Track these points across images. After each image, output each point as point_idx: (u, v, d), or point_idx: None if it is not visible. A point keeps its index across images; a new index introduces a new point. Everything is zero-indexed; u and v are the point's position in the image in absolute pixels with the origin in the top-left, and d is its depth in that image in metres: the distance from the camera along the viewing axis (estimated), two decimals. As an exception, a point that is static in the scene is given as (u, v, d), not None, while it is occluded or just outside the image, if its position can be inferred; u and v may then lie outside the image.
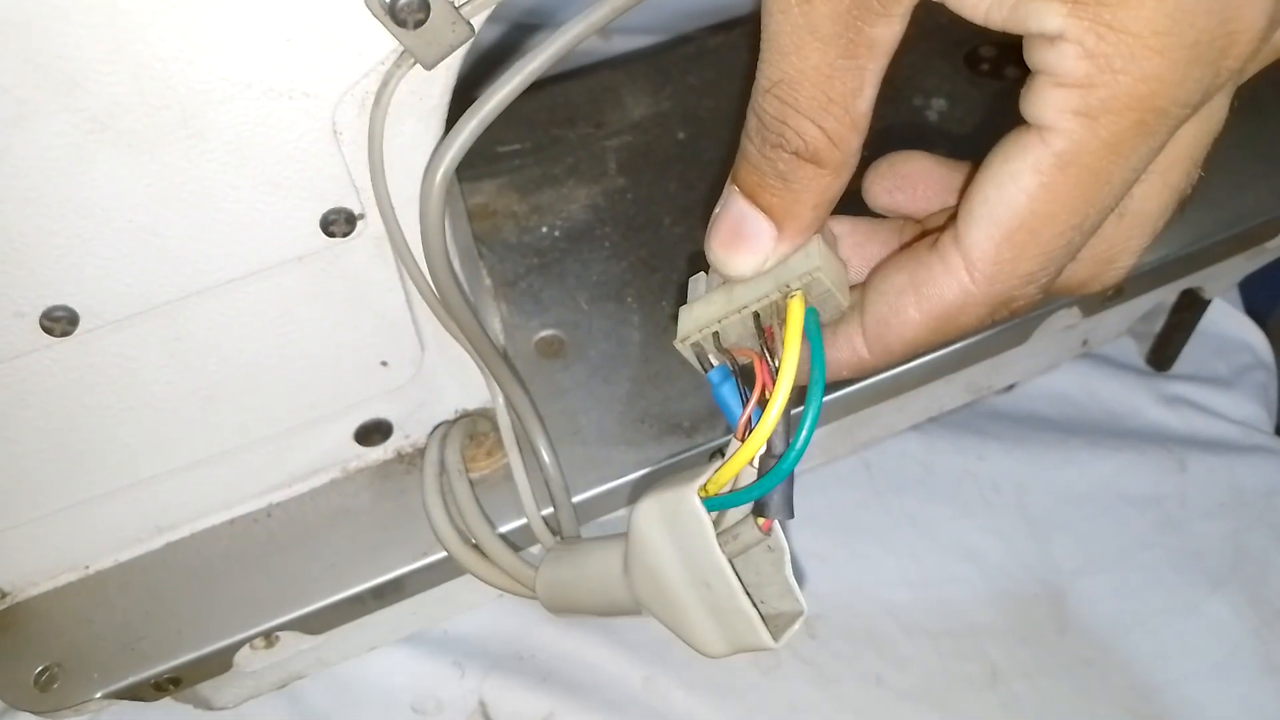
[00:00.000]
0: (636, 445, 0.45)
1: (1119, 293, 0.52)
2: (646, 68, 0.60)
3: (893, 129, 0.56)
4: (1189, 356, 0.67)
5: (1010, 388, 0.65)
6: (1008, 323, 0.49)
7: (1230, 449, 0.64)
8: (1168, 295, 0.62)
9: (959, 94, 0.58)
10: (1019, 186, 0.23)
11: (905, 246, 0.29)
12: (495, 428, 0.44)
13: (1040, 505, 0.61)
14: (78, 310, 0.33)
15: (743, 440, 0.27)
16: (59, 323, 0.33)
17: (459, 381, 0.43)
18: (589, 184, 0.55)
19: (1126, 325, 0.66)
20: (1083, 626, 0.58)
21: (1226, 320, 0.69)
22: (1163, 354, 0.66)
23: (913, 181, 0.30)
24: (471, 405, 0.45)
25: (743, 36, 0.62)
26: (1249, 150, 0.55)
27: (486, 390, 0.43)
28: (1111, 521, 0.61)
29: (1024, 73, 0.23)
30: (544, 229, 0.53)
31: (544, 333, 0.49)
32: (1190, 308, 0.63)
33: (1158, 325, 0.65)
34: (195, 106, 0.29)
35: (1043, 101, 0.23)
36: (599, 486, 0.44)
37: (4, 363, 0.33)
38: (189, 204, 0.32)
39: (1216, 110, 0.25)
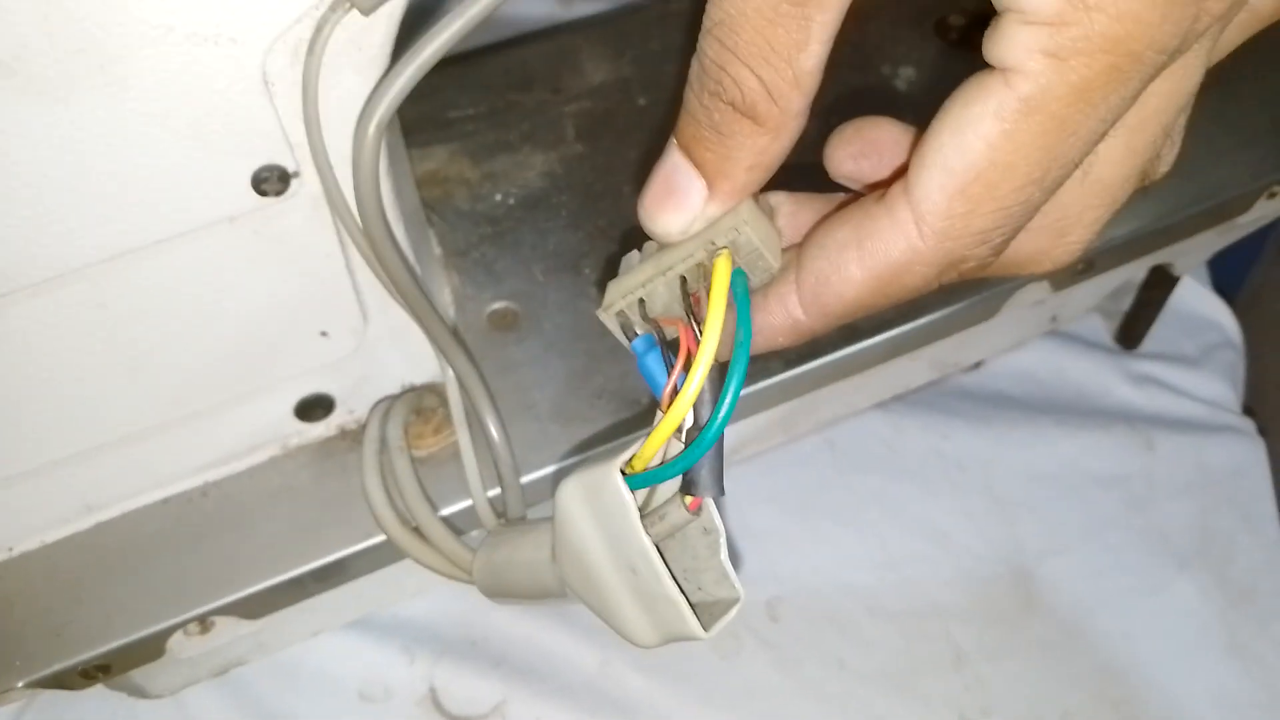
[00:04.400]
0: (591, 421, 0.44)
1: (1089, 267, 0.51)
2: (607, 32, 0.58)
3: (860, 97, 0.54)
4: (1157, 335, 0.66)
5: (977, 365, 0.64)
6: (966, 291, 0.48)
7: (1198, 428, 0.63)
8: (1137, 271, 0.61)
9: (927, 63, 0.56)
10: (978, 133, 0.21)
11: (849, 201, 0.27)
12: (443, 403, 0.42)
13: (1007, 485, 0.60)
14: (-11, 274, 0.31)
15: (666, 411, 0.25)
16: (-32, 288, 0.31)
17: (404, 354, 0.41)
18: (545, 150, 0.53)
19: (1095, 301, 0.65)
20: (1049, 607, 0.57)
21: (1195, 299, 0.69)
22: (1131, 332, 0.66)
23: (879, 148, 0.27)
24: (418, 379, 0.43)
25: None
26: (1220, 124, 0.54)
27: (433, 363, 0.41)
28: (1078, 501, 0.60)
29: None
30: (498, 197, 0.51)
31: (497, 304, 0.47)
32: (1159, 285, 0.62)
33: (1126, 303, 0.64)
34: (112, 51, 0.27)
35: (1009, 40, 0.21)
36: (551, 465, 0.43)
37: (-92, 329, 0.31)
38: (108, 158, 0.30)
39: (1191, 72, 0.23)
